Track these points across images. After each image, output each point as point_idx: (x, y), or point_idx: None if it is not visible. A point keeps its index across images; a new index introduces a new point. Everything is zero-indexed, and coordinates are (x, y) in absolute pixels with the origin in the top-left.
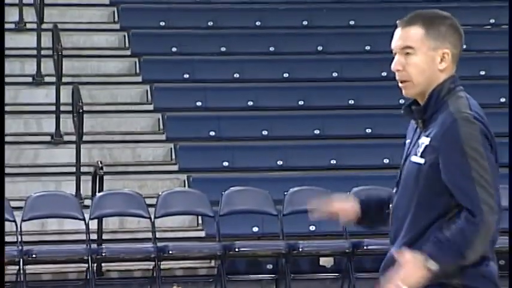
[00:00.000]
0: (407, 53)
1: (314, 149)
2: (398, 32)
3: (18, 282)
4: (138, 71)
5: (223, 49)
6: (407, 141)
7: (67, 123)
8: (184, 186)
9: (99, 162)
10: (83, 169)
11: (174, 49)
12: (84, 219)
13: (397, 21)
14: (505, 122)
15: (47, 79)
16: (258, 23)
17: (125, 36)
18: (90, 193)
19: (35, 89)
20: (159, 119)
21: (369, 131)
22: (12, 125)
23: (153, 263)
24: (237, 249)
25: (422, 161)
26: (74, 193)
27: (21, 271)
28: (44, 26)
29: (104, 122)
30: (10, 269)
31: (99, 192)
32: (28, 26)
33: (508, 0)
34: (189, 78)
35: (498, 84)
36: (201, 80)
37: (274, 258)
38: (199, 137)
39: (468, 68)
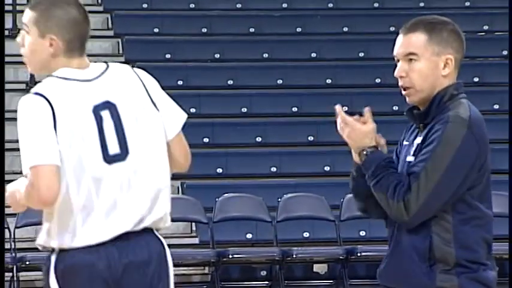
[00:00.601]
0: (411, 59)
1: (308, 156)
2: (400, 39)
3: None
4: None
5: (217, 56)
6: (405, 142)
7: None
8: (178, 192)
9: None
10: None
11: (168, 55)
12: None
13: (396, 27)
14: (499, 128)
15: None
16: (252, 30)
17: (118, 42)
18: None
19: None
20: None
21: None
22: (5, 131)
23: None
24: (230, 256)
25: (413, 159)
26: None
27: (15, 278)
28: None
29: None
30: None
31: None
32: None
33: (508, 7)
34: (183, 84)
35: (492, 91)
36: (195, 86)
37: (268, 265)
38: (192, 143)
39: (462, 75)
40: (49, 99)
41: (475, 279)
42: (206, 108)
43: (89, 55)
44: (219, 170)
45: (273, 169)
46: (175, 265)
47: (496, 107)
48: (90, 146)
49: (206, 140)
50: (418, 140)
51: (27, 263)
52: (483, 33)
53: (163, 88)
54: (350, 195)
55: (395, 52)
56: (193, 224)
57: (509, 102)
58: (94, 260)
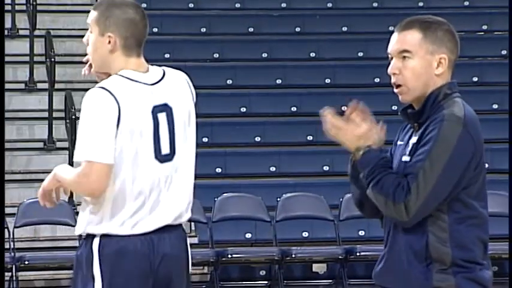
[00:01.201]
0: (405, 57)
1: (307, 155)
2: (395, 36)
3: None
4: None
5: (216, 55)
6: (399, 142)
7: (60, 130)
8: None
9: None
10: None
11: (167, 55)
12: None
13: (395, 27)
14: (498, 128)
15: (39, 85)
16: (251, 29)
17: None
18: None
19: (27, 95)
20: None
21: None
22: (4, 131)
23: None
24: (230, 256)
25: (408, 159)
26: (66, 200)
27: (14, 278)
28: (36, 32)
29: None
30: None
31: None
32: (21, 32)
33: (507, 7)
34: None
35: (491, 91)
36: (194, 85)
37: (267, 265)
38: None
39: (461, 75)
40: (116, 96)
41: (472, 278)
42: (205, 108)
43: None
44: (218, 170)
45: (272, 169)
46: None
47: (495, 106)
48: (146, 144)
49: (205, 139)
50: (414, 139)
51: (26, 262)
52: (482, 33)
53: None
54: (349, 195)
55: (389, 49)
56: (193, 223)
57: (509, 102)
58: (138, 246)
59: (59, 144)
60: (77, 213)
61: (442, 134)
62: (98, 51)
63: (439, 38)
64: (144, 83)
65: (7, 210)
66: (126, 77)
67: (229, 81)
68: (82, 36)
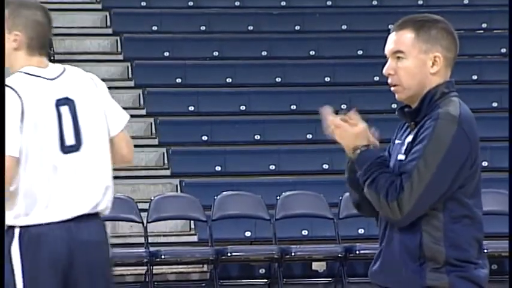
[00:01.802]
0: (399, 57)
1: (306, 154)
2: (390, 37)
3: None
4: (130, 75)
5: (215, 54)
6: (397, 141)
7: None
8: (177, 190)
9: None
10: None
11: (166, 54)
12: None
13: (391, 26)
14: (497, 126)
15: None
16: (250, 28)
17: (117, 40)
18: None
19: None
20: (151, 124)
21: None
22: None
23: (146, 267)
24: (229, 254)
25: (404, 157)
26: None
27: None
28: None
29: None
30: None
31: None
32: None
33: (507, 5)
34: (182, 82)
35: (490, 89)
36: (194, 84)
37: (267, 263)
38: (191, 141)
39: (460, 73)
40: (18, 92)
41: (466, 277)
42: (205, 106)
43: (87, 53)
44: (218, 168)
45: (272, 167)
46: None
47: (495, 105)
48: (49, 136)
49: (205, 138)
50: (409, 138)
51: None
52: (482, 31)
53: (162, 86)
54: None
55: (385, 50)
56: (192, 222)
57: (509, 100)
58: (57, 233)
59: None
60: None
61: (437, 132)
62: (6, 48)
63: (432, 36)
64: (45, 78)
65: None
66: (28, 73)
67: (228, 80)
68: (82, 35)
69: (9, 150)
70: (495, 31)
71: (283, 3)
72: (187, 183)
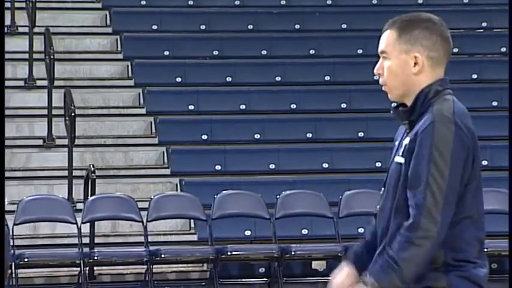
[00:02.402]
0: (384, 57)
1: (306, 153)
2: (382, 36)
3: (11, 286)
4: (130, 74)
5: (215, 53)
6: (396, 142)
7: (59, 127)
8: (177, 189)
9: (91, 166)
10: (75, 173)
11: (166, 52)
12: (76, 223)
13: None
14: (497, 125)
15: (39, 83)
16: (250, 27)
17: (117, 39)
18: (82, 197)
19: (27, 92)
20: (151, 123)
21: (361, 134)
22: (4, 128)
23: (146, 266)
24: (229, 253)
25: (402, 160)
26: (66, 197)
27: (14, 275)
28: (36, 29)
29: (96, 125)
30: None
31: (91, 195)
32: (20, 29)
33: (507, 4)
34: (182, 81)
35: (490, 88)
36: (194, 83)
37: (267, 262)
38: (191, 140)
39: (460, 72)
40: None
41: (465, 276)
42: (204, 105)
43: (87, 52)
44: (218, 167)
45: (272, 166)
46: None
47: (495, 103)
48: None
49: (204, 137)
50: (406, 140)
51: (26, 259)
52: (482, 30)
53: (161, 85)
54: (349, 192)
55: None
56: (192, 221)
57: (509, 99)
58: None
59: (58, 142)
60: (76, 210)
61: (437, 135)
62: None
63: (413, 36)
64: None
65: (6, 208)
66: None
67: (228, 79)
68: (81, 34)
69: None
70: (495, 30)
71: (283, 2)
72: (187, 182)
